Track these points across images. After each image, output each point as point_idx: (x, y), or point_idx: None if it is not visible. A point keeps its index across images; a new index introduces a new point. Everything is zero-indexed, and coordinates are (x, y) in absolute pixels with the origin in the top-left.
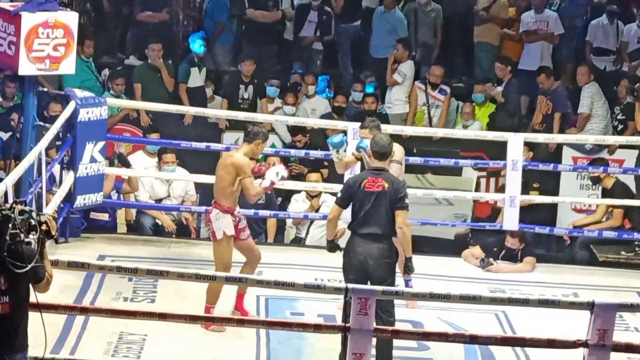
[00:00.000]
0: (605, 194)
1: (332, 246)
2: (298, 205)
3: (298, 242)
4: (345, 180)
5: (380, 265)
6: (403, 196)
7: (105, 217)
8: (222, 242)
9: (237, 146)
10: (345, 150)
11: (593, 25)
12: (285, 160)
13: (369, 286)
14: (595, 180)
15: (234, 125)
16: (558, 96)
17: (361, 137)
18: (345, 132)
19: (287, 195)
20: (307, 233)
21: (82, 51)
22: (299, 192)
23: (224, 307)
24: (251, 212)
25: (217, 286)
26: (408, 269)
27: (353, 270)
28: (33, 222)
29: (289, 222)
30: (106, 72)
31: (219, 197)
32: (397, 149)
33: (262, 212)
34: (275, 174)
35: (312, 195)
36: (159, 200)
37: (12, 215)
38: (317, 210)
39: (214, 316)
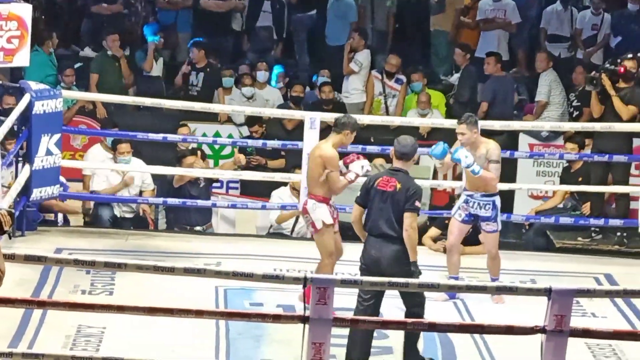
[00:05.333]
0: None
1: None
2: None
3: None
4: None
5: (394, 267)
6: (413, 199)
7: (51, 216)
8: (322, 232)
9: (195, 138)
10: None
11: (547, 12)
12: (243, 152)
13: (327, 275)
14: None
15: (190, 115)
16: (495, 84)
17: (457, 133)
18: (445, 142)
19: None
20: (292, 231)
21: (45, 44)
22: (280, 187)
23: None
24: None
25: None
26: (413, 273)
27: (366, 273)
28: None
29: (272, 219)
30: None
31: (312, 187)
32: (494, 147)
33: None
34: (361, 167)
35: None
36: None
37: None
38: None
39: (172, 308)
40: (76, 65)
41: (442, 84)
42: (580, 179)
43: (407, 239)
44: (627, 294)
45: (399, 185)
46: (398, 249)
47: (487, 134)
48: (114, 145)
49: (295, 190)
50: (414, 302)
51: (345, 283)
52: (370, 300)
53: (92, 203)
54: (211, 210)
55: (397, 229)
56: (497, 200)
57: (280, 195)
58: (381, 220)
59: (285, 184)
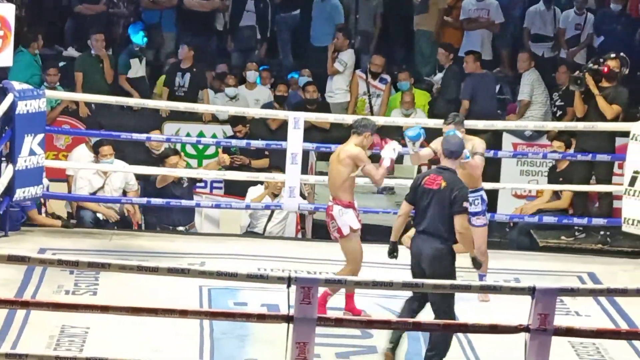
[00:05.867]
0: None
1: (392, 249)
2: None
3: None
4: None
5: (433, 265)
6: (459, 199)
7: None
8: (350, 237)
9: (179, 137)
10: (421, 144)
11: (530, 12)
12: (227, 151)
13: (311, 275)
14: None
15: (174, 115)
16: (474, 81)
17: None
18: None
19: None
20: (265, 230)
21: (31, 46)
22: (257, 184)
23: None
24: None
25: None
26: (477, 265)
27: (412, 268)
28: None
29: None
30: None
31: (337, 192)
32: (479, 142)
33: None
34: (392, 150)
35: (275, 194)
36: (94, 193)
37: None
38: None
39: (156, 308)
40: (60, 64)
41: (426, 83)
42: (561, 179)
43: (462, 239)
44: (610, 292)
45: (444, 184)
46: (437, 248)
47: (470, 133)
48: (96, 147)
49: (273, 194)
50: (439, 309)
51: (329, 283)
52: (416, 300)
53: (74, 208)
54: (194, 210)
55: (439, 227)
56: (484, 194)
57: (256, 192)
58: (425, 217)
59: (263, 182)
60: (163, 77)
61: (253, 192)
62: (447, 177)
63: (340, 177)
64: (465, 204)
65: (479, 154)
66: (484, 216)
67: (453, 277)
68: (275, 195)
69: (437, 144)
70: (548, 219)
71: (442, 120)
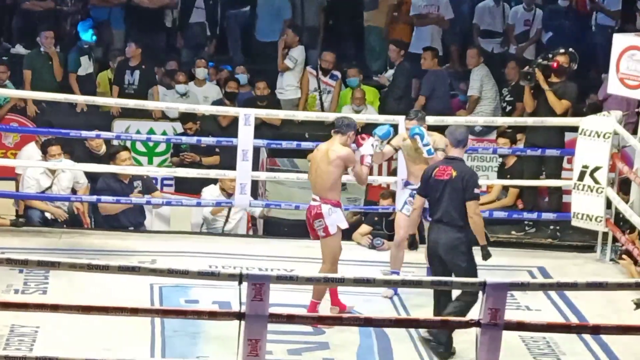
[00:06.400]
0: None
1: (411, 242)
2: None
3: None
4: None
5: (450, 252)
6: (470, 186)
7: None
8: (335, 236)
9: (129, 135)
10: (389, 142)
11: (479, 8)
12: (177, 149)
13: (262, 272)
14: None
15: (124, 112)
16: (433, 78)
17: (407, 129)
18: (391, 125)
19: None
20: (223, 230)
21: None
22: (210, 185)
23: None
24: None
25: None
26: (485, 256)
27: (429, 257)
28: None
29: (206, 212)
30: None
31: (325, 192)
32: (439, 137)
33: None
34: (371, 146)
35: (230, 193)
36: (42, 192)
37: None
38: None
39: (107, 306)
40: (4, 58)
41: (377, 80)
42: (508, 176)
43: (474, 225)
44: (560, 286)
45: (454, 173)
46: (454, 237)
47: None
48: (44, 147)
49: (225, 191)
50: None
51: (281, 279)
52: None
53: (22, 207)
54: (143, 210)
55: (453, 216)
56: None
57: (211, 193)
58: (439, 207)
59: (216, 181)
60: (104, 74)
61: (207, 193)
62: (456, 167)
63: (330, 178)
64: (477, 190)
65: (440, 149)
66: None
67: (472, 263)
68: (229, 195)
69: (396, 140)
70: (498, 214)
71: (393, 117)
